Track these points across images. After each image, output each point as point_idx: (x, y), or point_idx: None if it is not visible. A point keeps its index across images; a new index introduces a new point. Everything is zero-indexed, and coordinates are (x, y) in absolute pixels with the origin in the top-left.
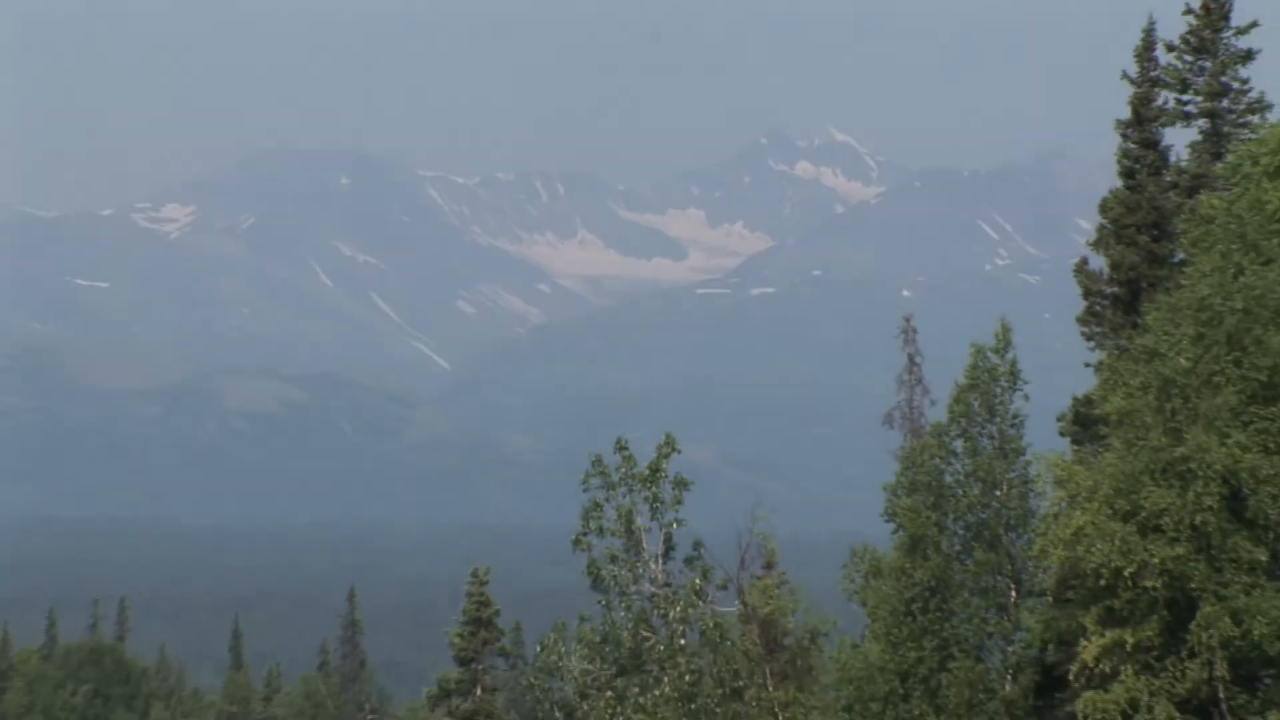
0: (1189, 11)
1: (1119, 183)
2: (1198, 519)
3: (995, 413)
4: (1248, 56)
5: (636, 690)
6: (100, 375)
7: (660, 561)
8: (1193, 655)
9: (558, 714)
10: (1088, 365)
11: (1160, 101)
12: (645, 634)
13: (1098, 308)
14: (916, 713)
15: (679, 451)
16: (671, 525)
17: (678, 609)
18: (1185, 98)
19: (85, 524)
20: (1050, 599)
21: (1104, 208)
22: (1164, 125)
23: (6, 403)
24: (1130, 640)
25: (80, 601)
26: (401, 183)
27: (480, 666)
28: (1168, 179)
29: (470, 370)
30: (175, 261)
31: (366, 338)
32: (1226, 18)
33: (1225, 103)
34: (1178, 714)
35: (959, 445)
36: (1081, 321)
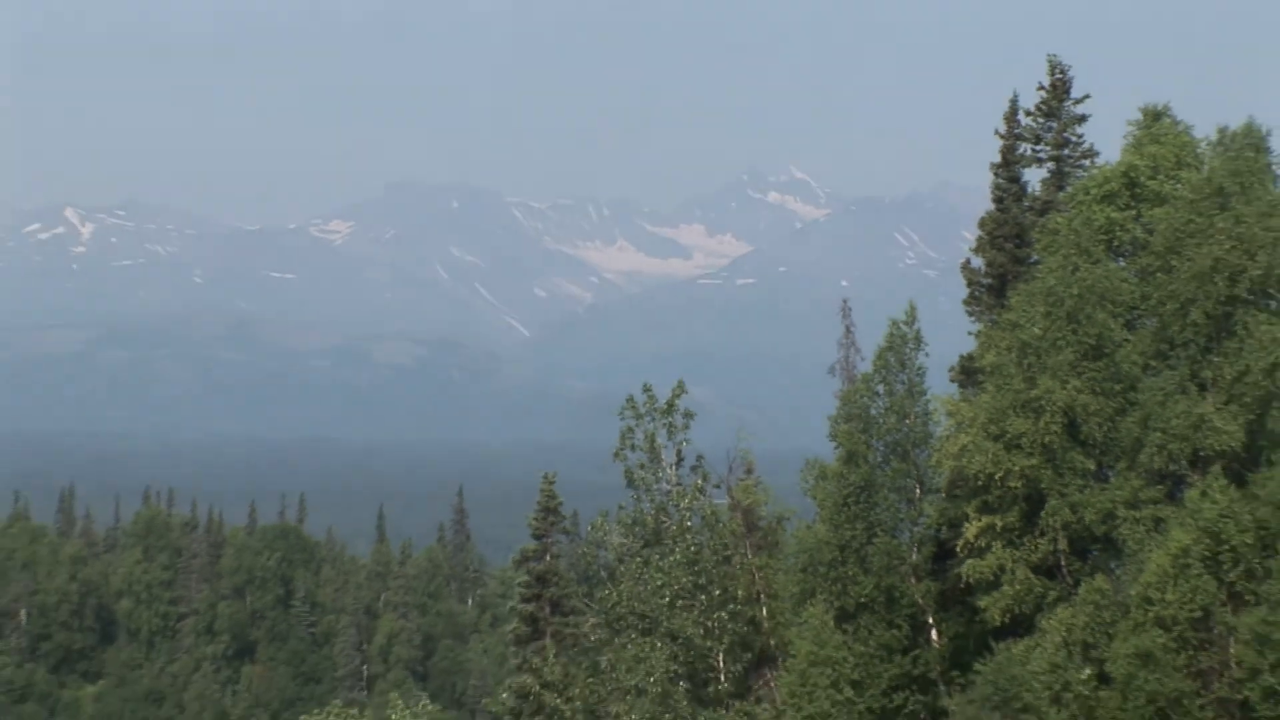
0: (1042, 88)
1: (992, 206)
2: (1046, 439)
3: (905, 366)
4: (1082, 119)
5: (657, 557)
6: (287, 339)
7: (674, 468)
8: (1042, 534)
9: (603, 573)
10: (970, 333)
11: (1021, 150)
12: (663, 519)
13: (977, 294)
14: (850, 573)
15: (686, 393)
16: (682, 444)
17: (686, 501)
18: (1039, 148)
19: (276, 442)
20: (944, 495)
21: (982, 223)
22: (1024, 166)
23: (226, 358)
24: (999, 523)
25: (273, 495)
26: (495, 206)
27: (549, 540)
28: (1026, 204)
29: (542, 336)
30: (339, 260)
31: (470, 313)
32: (1068, 92)
33: (1066, 151)
34: (1032, 575)
35: (880, 388)
36: (966, 303)
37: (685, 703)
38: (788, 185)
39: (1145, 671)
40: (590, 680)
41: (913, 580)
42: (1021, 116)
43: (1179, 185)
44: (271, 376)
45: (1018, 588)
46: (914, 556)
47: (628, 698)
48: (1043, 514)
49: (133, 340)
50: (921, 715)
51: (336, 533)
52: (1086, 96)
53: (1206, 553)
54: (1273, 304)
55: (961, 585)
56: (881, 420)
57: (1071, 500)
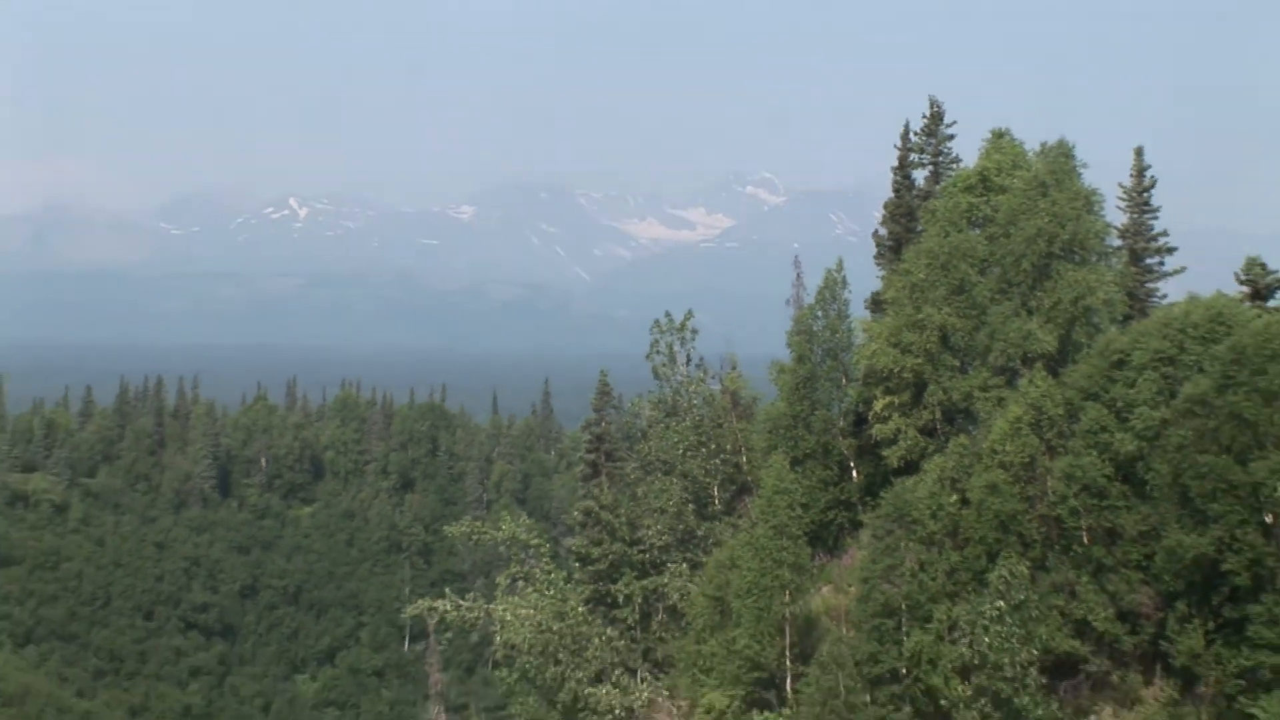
0: (925, 117)
1: (892, 194)
2: (927, 347)
3: (836, 299)
4: (951, 137)
5: (674, 423)
6: (433, 284)
7: (684, 366)
8: (925, 408)
9: (639, 434)
10: (879, 277)
11: (911, 158)
12: (678, 399)
13: (882, 252)
14: (800, 434)
15: (693, 317)
16: (690, 350)
17: (693, 387)
18: (923, 156)
19: (426, 351)
20: (861, 382)
21: (886, 206)
22: (913, 169)
23: (393, 296)
24: (897, 401)
25: (425, 385)
26: (567, 197)
27: (604, 413)
28: (915, 193)
29: (601, 282)
30: (467, 232)
31: (552, 266)
32: (941, 119)
33: (940, 158)
34: (918, 434)
35: (820, 314)
36: (876, 259)
37: (692, 519)
38: (759, 181)
39: (992, 497)
40: (631, 503)
41: (840, 438)
42: (912, 136)
43: (1015, 180)
44: (423, 308)
45: (909, 443)
46: (841, 423)
47: (655, 514)
48: (925, 395)
49: (333, 285)
50: (846, 526)
51: (466, 408)
52: (955, 122)
53: (1032, 420)
54: (1076, 258)
55: (872, 442)
56: (820, 334)
57: (944, 385)
